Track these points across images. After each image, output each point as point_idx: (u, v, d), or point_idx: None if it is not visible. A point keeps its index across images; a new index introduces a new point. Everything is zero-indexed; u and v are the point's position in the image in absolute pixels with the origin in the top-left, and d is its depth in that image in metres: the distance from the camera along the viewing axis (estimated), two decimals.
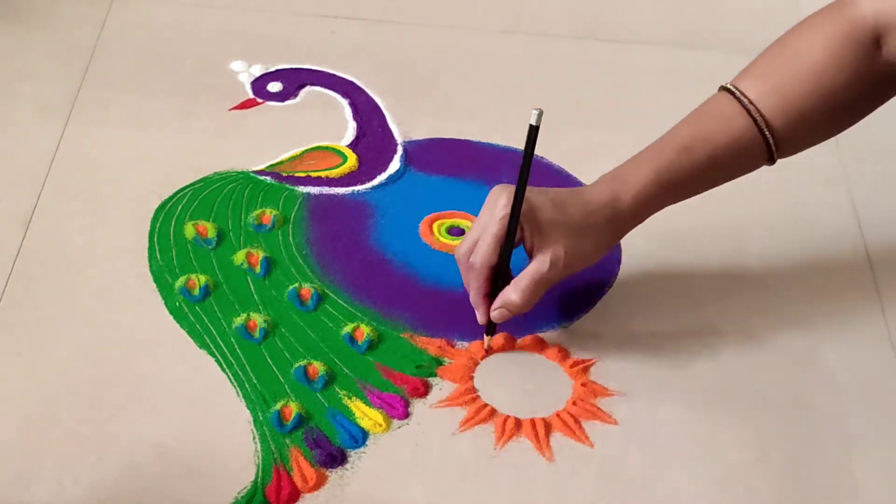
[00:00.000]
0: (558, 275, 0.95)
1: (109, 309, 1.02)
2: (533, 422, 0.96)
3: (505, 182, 0.96)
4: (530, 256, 0.96)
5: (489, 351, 1.00)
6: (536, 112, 0.91)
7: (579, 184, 1.16)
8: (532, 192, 0.94)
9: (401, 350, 1.01)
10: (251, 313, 1.03)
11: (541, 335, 1.03)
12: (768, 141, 0.96)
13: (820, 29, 0.95)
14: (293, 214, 1.12)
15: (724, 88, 0.97)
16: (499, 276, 0.96)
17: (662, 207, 0.98)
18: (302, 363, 0.99)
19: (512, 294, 0.95)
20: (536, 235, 0.94)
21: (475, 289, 0.97)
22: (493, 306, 0.96)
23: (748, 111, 0.95)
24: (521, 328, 1.03)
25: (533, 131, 0.92)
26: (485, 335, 1.00)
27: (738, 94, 0.96)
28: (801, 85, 0.94)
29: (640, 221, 0.98)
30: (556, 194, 0.96)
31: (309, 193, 1.14)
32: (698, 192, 0.99)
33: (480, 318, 0.98)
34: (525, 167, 0.93)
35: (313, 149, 1.19)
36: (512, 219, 0.93)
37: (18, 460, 0.91)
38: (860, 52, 0.93)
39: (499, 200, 0.94)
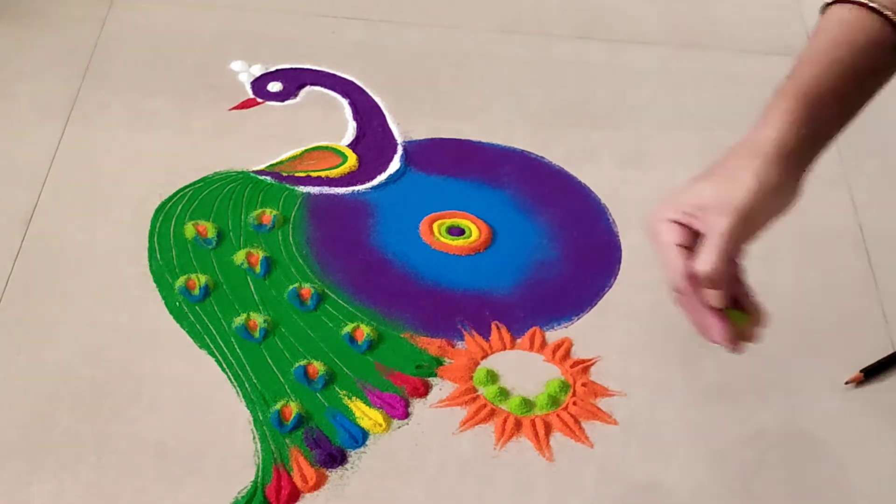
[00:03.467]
0: (737, 223, 0.76)
1: (109, 309, 1.02)
2: (533, 422, 0.96)
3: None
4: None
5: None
6: None
7: (579, 184, 1.16)
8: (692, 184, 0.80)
9: (401, 350, 1.01)
10: (251, 313, 1.02)
11: (541, 335, 1.03)
12: None
13: None
14: (293, 214, 1.12)
15: (828, 5, 0.83)
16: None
17: (816, 127, 0.83)
18: (302, 363, 0.99)
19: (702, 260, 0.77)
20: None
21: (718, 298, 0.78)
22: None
23: (871, 8, 0.79)
24: (521, 328, 1.03)
25: None
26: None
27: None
28: None
29: (795, 147, 0.82)
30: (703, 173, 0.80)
31: (309, 193, 1.14)
32: (845, 108, 0.85)
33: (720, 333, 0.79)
34: None
35: (313, 149, 1.19)
36: None
37: (18, 460, 0.91)
38: None
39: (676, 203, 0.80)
